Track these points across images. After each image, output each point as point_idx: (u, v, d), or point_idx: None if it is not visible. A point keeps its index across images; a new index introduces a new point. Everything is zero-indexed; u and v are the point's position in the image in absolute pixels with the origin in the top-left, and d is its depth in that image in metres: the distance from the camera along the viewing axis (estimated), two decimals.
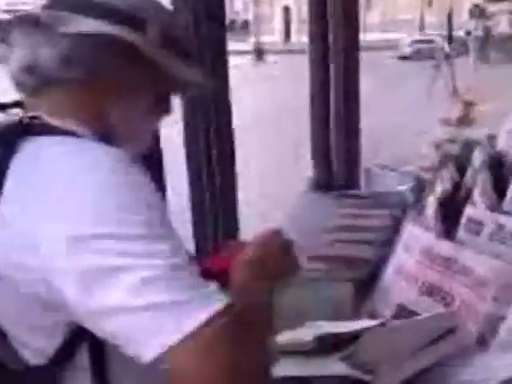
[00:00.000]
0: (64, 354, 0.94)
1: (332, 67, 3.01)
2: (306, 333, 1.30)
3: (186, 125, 1.95)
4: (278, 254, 1.13)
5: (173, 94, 1.14)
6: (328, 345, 1.24)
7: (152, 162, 1.59)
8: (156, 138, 1.60)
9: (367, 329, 1.23)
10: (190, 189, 1.98)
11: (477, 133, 2.70)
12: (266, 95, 15.78)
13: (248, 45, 34.05)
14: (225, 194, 2.00)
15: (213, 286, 0.89)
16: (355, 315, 1.56)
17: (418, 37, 31.32)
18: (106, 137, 1.00)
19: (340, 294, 1.61)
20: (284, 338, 1.34)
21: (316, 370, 1.19)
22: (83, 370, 0.96)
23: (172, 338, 0.83)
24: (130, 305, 0.83)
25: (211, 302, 0.86)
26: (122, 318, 0.84)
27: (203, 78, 1.12)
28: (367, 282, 1.72)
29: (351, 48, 3.08)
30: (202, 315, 0.84)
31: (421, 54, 26.00)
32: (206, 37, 1.80)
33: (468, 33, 24.67)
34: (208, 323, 0.83)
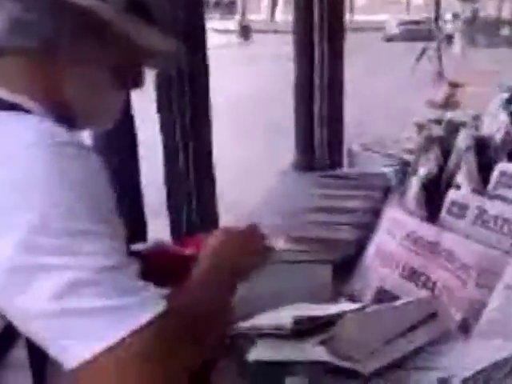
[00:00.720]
0: None
1: (317, 48, 2.96)
2: (284, 316, 1.26)
3: (160, 108, 1.88)
4: (243, 248, 1.12)
5: (141, 64, 1.04)
6: (306, 329, 1.20)
7: (124, 140, 1.55)
8: (128, 113, 1.54)
9: (346, 313, 1.20)
10: (166, 174, 1.93)
11: (461, 114, 2.67)
12: (250, 75, 15.66)
13: (234, 24, 33.78)
14: (201, 182, 1.95)
15: (152, 290, 0.84)
16: (334, 298, 1.53)
17: (405, 18, 31.24)
18: (61, 113, 0.93)
19: (319, 276, 1.57)
20: (261, 321, 1.31)
21: (294, 354, 1.16)
22: (21, 367, 0.91)
23: (92, 348, 0.77)
24: (54, 308, 0.78)
25: (142, 311, 0.80)
26: (45, 321, 0.78)
27: (175, 47, 1.02)
28: (347, 264, 1.69)
29: (336, 30, 3.04)
30: (126, 327, 0.78)
31: (408, 35, 25.91)
32: (183, 16, 1.72)
33: (455, 15, 24.60)
34: (132, 335, 0.78)
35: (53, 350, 0.81)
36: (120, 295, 0.80)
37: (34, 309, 0.78)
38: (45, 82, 0.94)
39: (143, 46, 0.99)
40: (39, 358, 0.88)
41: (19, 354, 0.90)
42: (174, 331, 0.84)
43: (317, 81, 2.94)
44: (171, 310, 0.83)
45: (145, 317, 0.80)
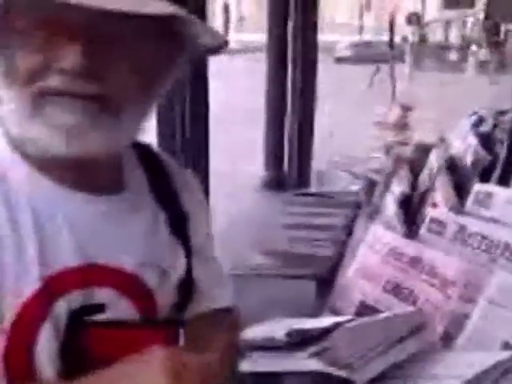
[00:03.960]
0: None
1: (290, 66, 3.02)
2: (276, 328, 1.30)
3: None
4: None
5: None
6: (299, 341, 1.24)
7: None
8: None
9: (338, 325, 1.25)
10: None
11: (428, 137, 2.77)
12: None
13: None
14: None
15: None
16: (316, 313, 1.58)
17: (356, 40, 31.72)
18: None
19: (303, 290, 1.62)
20: (253, 333, 1.34)
21: (289, 365, 1.19)
22: None
23: None
24: None
25: None
26: None
27: None
28: (325, 280, 1.73)
29: (309, 49, 3.10)
30: None
31: (359, 57, 26.33)
32: None
33: (404, 39, 25.18)
34: None
35: None
36: None
37: None
38: None
39: None
40: None
41: None
42: None
43: (289, 100, 2.99)
44: None
45: None
